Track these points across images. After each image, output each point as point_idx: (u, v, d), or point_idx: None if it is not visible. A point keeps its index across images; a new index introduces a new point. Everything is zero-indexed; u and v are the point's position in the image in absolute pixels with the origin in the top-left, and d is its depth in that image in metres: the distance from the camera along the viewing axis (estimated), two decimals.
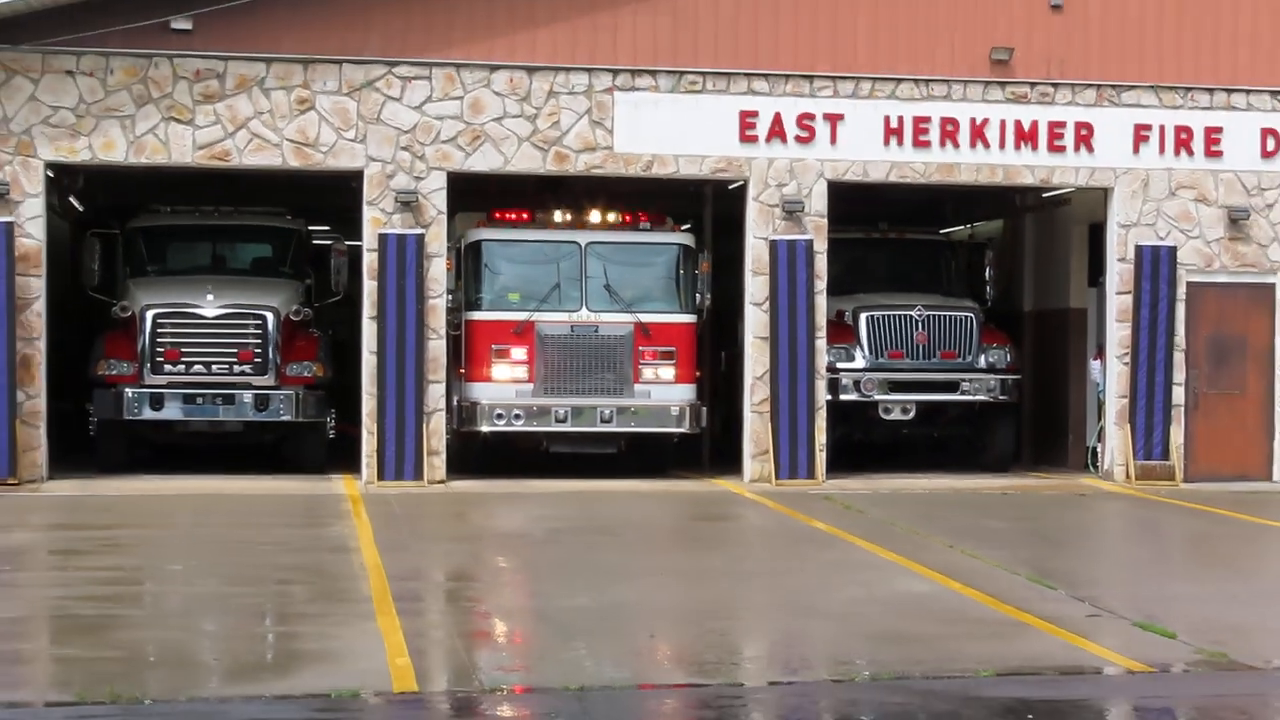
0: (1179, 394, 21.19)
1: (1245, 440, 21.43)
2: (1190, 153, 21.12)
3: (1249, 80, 21.17)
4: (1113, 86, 20.90)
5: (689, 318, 20.31)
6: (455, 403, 20.06)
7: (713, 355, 21.98)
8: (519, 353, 19.79)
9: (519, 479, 19.86)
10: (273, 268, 22.16)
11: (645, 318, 19.99)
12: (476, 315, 19.95)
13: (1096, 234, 21.98)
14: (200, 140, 19.53)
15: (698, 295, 20.40)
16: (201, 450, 21.24)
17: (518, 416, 19.69)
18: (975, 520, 17.60)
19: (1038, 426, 23.49)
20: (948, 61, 20.60)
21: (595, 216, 20.39)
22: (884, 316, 21.64)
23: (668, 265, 20.48)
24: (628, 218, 20.44)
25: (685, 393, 20.14)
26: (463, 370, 20.00)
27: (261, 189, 22.03)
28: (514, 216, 20.32)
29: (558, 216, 20.35)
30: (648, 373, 20.03)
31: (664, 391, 20.02)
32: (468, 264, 20.06)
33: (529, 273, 20.26)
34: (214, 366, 20.15)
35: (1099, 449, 21.83)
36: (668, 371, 20.08)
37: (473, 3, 19.91)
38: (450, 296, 19.96)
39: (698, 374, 20.49)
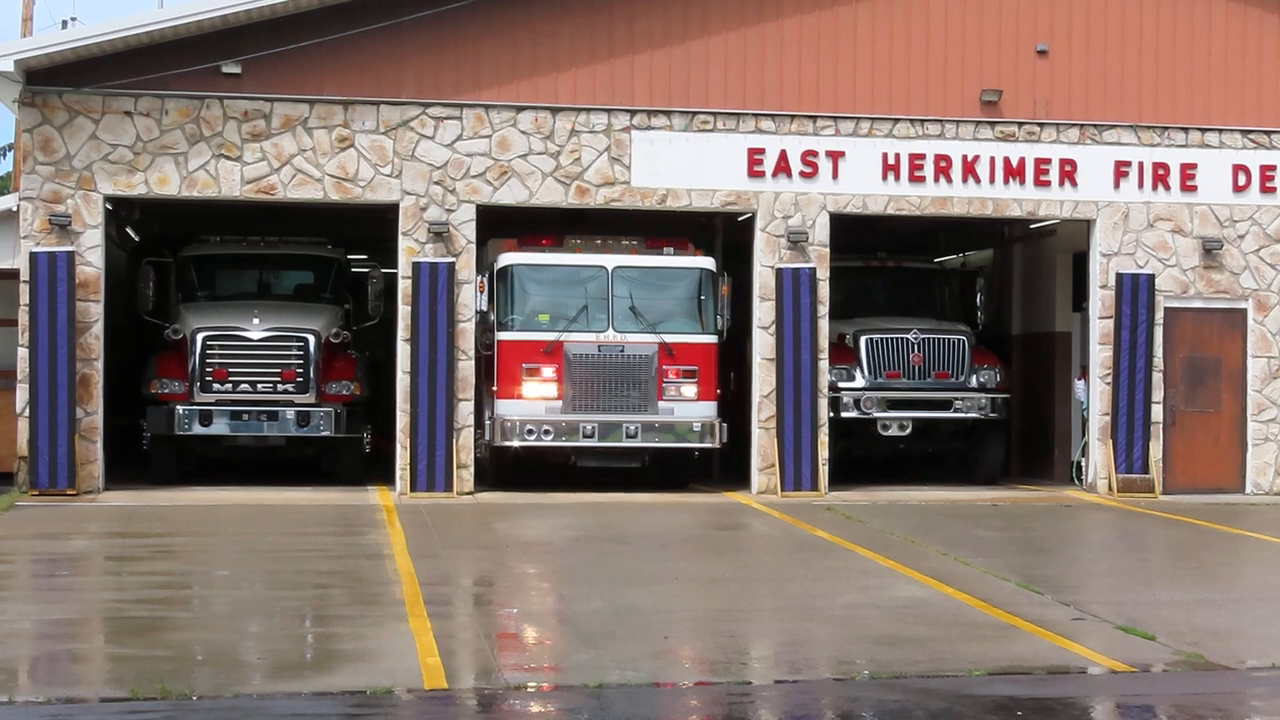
0: (1157, 412, 21.20)
1: (1219, 455, 21.42)
2: (1167, 187, 21.14)
3: (1221, 120, 21.21)
4: (1094, 126, 20.94)
5: (710, 338, 20.22)
6: (487, 419, 20.00)
7: (722, 375, 21.95)
8: (548, 371, 19.66)
9: (542, 491, 19.87)
10: (314, 293, 22.24)
11: (669, 338, 19.88)
12: (508, 336, 19.82)
13: (1080, 262, 21.98)
14: (248, 175, 19.63)
15: (718, 317, 20.32)
16: (247, 463, 21.30)
17: (547, 432, 19.58)
18: (967, 530, 17.61)
19: (1025, 442, 23.46)
20: (941, 102, 20.66)
21: (622, 242, 20.31)
22: (882, 339, 21.66)
23: (690, 288, 20.39)
24: (651, 243, 20.36)
25: (707, 410, 20.03)
26: (494, 388, 19.86)
27: (304, 220, 22.14)
28: (544, 241, 20.23)
29: (585, 242, 20.27)
30: (671, 391, 19.91)
31: (687, 409, 19.92)
32: (499, 287, 19.91)
33: (558, 295, 20.12)
34: (259, 385, 20.21)
35: (1083, 463, 21.82)
36: (690, 390, 19.98)
37: (499, 48, 19.99)
38: (481, 318, 19.93)
39: (718, 392, 20.36)
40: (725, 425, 20.30)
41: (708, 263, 20.40)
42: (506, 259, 19.95)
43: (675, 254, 20.36)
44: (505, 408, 19.61)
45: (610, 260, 19.99)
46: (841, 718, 9.48)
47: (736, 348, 21.35)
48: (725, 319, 20.41)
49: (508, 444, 19.61)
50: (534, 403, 19.62)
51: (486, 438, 20.09)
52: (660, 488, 20.37)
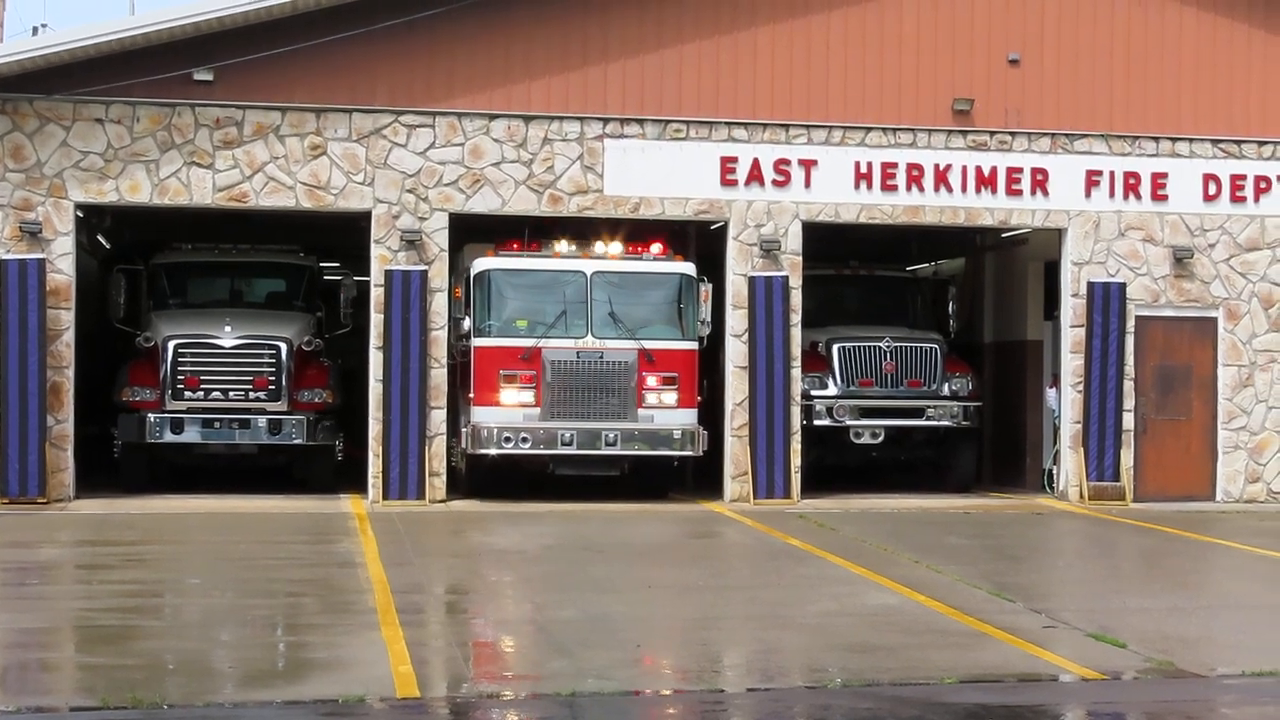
0: (1129, 420, 21.30)
1: (1190, 463, 21.52)
2: (1138, 196, 21.25)
3: (1192, 130, 21.34)
4: (1066, 135, 21.04)
5: (691, 344, 20.12)
6: (463, 426, 19.92)
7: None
8: (526, 378, 19.53)
9: (517, 500, 19.80)
10: (286, 301, 22.23)
11: (649, 344, 19.78)
12: (484, 342, 19.68)
13: (1051, 271, 22.09)
14: (220, 183, 19.60)
15: (699, 323, 20.20)
16: (219, 471, 21.26)
17: (525, 440, 19.45)
18: (939, 537, 17.64)
19: (997, 450, 23.55)
20: (913, 111, 20.74)
21: (600, 247, 20.18)
22: (855, 347, 21.71)
23: (670, 294, 20.25)
24: (631, 248, 20.27)
25: (687, 417, 19.94)
26: (471, 395, 19.77)
27: (276, 228, 22.14)
28: (520, 246, 20.08)
29: (563, 247, 20.13)
30: (651, 398, 19.80)
31: (667, 416, 19.83)
32: (476, 292, 19.82)
33: (536, 300, 20.02)
34: (231, 393, 20.20)
35: (1054, 471, 21.90)
36: (670, 397, 19.86)
37: (473, 56, 20.00)
38: (455, 324, 19.88)
39: (698, 399, 20.27)
40: (706, 433, 20.24)
41: (688, 268, 20.32)
42: (483, 264, 19.86)
43: (655, 259, 20.22)
44: (482, 415, 19.50)
45: (589, 265, 19.90)
46: None
47: (709, 356, 21.38)
48: (706, 325, 20.30)
49: (484, 452, 19.53)
50: (511, 410, 19.50)
51: (463, 445, 20.03)
52: (639, 496, 20.33)
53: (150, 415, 20.03)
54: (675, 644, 11.91)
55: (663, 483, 20.75)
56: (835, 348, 21.66)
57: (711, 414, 20.81)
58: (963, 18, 20.87)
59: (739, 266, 20.54)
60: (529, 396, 19.49)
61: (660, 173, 20.38)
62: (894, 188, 20.73)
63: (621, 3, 20.27)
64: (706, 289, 20.27)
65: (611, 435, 19.53)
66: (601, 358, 19.64)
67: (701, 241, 21.49)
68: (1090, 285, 21.13)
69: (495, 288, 19.77)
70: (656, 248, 20.21)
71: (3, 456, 19.01)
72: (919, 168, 20.77)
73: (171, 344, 20.21)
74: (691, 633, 12.38)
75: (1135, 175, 21.24)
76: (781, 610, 13.22)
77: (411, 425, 19.86)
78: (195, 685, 9.97)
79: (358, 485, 20.38)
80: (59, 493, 19.27)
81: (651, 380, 19.72)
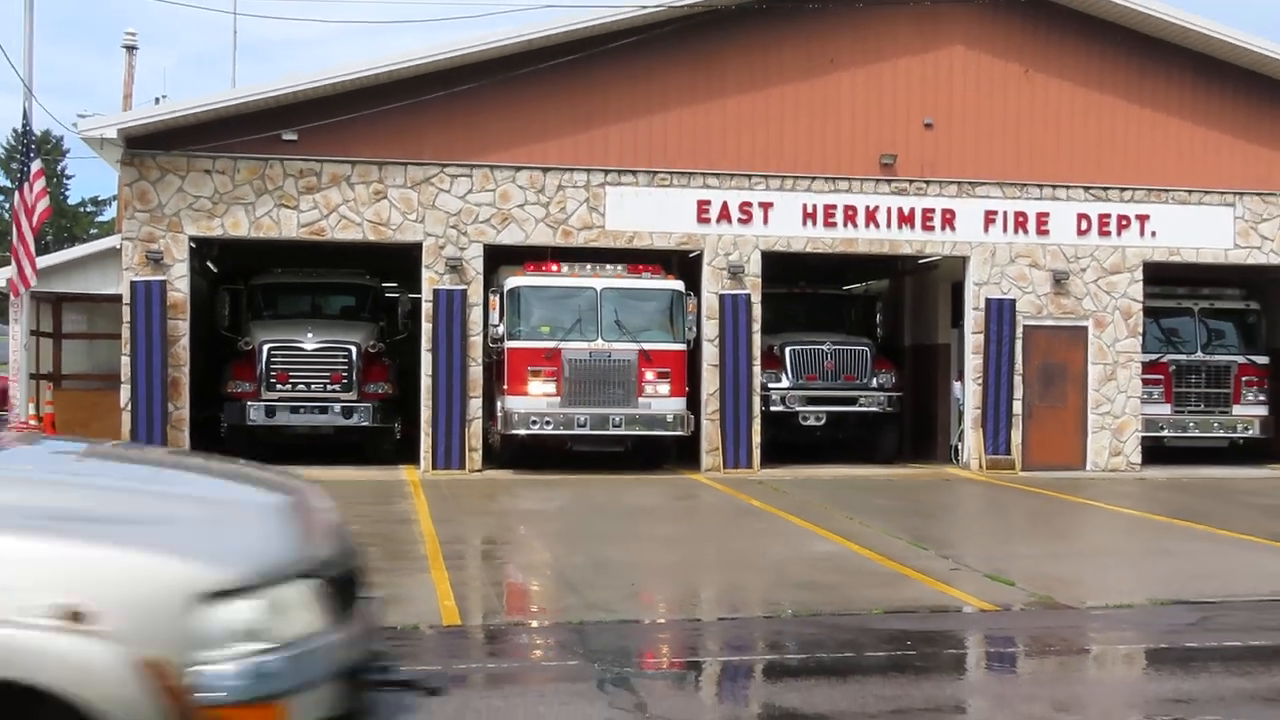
0: (1017, 406, 21.39)
1: (1066, 440, 21.59)
2: (1026, 231, 21.33)
3: (1068, 179, 21.43)
4: (969, 183, 21.11)
5: (681, 346, 19.98)
6: (498, 411, 19.81)
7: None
8: (549, 373, 19.40)
9: (538, 471, 19.84)
10: (355, 313, 22.25)
11: (647, 346, 19.66)
12: (515, 344, 19.51)
13: (957, 289, 22.14)
14: (302, 220, 19.65)
15: (686, 329, 20.13)
16: (303, 447, 21.28)
17: (548, 423, 19.32)
18: (869, 499, 17.73)
19: (915, 430, 23.61)
20: (849, 164, 20.80)
21: (607, 268, 20.06)
22: (802, 349, 21.76)
23: (664, 306, 20.06)
24: (632, 269, 20.17)
25: (678, 404, 19.81)
26: (505, 387, 19.61)
27: (346, 255, 22.12)
28: (545, 267, 19.99)
29: (578, 268, 20.00)
30: (649, 389, 19.64)
31: (661, 404, 19.69)
32: (509, 304, 19.61)
33: (556, 311, 19.81)
34: (312, 386, 20.22)
35: (959, 446, 21.97)
36: (664, 388, 19.70)
37: (500, 122, 20.06)
38: (493, 330, 19.83)
39: (687, 389, 20.15)
40: (693, 417, 20.20)
41: (678, 285, 20.21)
42: (514, 281, 19.79)
43: (651, 278, 20.11)
44: (513, 403, 19.43)
45: (599, 283, 19.80)
46: (770, 647, 9.56)
47: (691, 356, 21.42)
48: (692, 330, 20.22)
49: (515, 432, 19.46)
50: (537, 399, 19.37)
51: (498, 427, 19.95)
52: (638, 468, 20.29)
53: (249, 403, 20.03)
54: (662, 583, 11.99)
55: (657, 456, 20.77)
56: (787, 350, 21.69)
57: (691, 402, 20.89)
58: (888, 91, 20.92)
59: (712, 286, 20.58)
60: (551, 388, 19.40)
61: (650, 212, 20.41)
62: (834, 224, 20.78)
63: (617, 80, 20.27)
64: (693, 302, 20.24)
65: (617, 419, 19.46)
66: (609, 356, 19.56)
67: (682, 267, 21.55)
68: (988, 301, 21.20)
69: (524, 300, 19.69)
70: (652, 270, 20.24)
71: (133, 437, 19.04)
72: (853, 209, 20.82)
73: (266, 347, 20.24)
74: (675, 574, 12.46)
75: (1023, 214, 21.32)
76: (745, 556, 13.32)
77: (454, 411, 19.92)
78: None
79: (412, 458, 20.41)
80: None
81: (649, 375, 19.63)
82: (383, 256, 21.78)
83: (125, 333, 19.27)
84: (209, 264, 22.95)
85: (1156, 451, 22.05)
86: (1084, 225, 21.50)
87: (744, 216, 20.62)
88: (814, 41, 20.66)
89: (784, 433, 21.65)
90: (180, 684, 3.65)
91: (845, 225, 20.80)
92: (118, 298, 19.68)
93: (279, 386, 20.15)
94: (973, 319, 21.33)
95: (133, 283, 19.21)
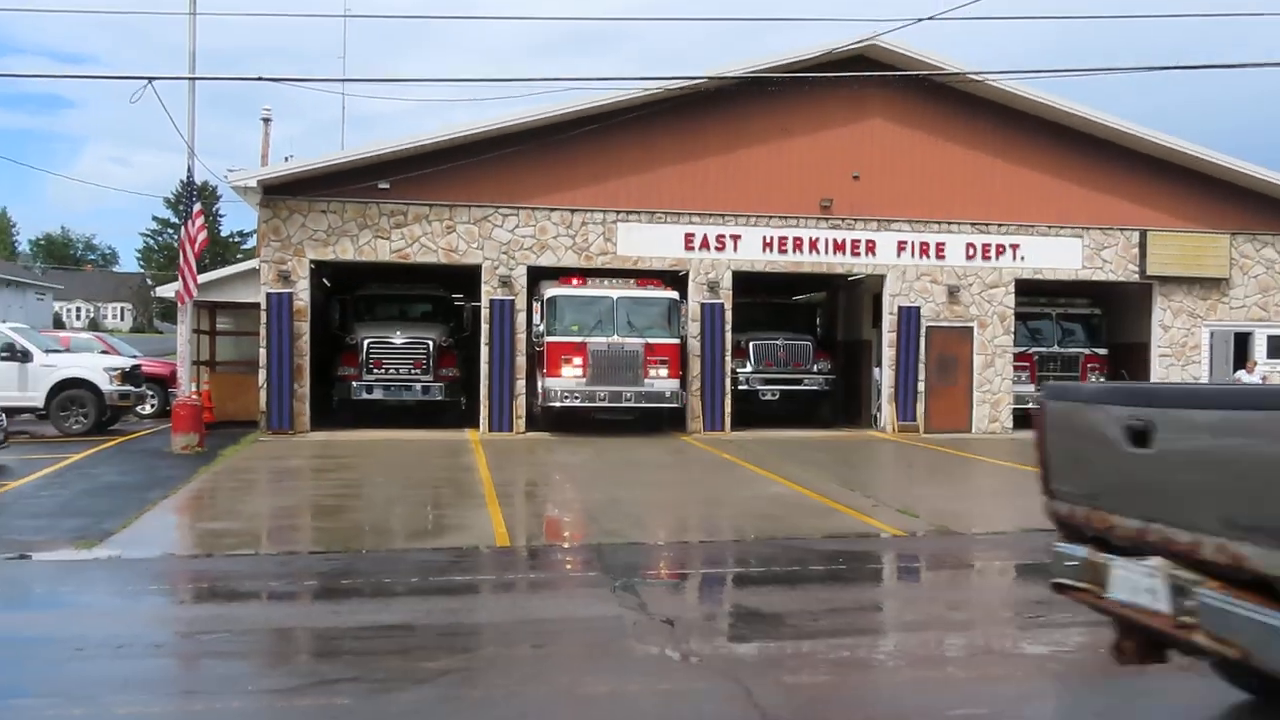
0: (921, 386, 21.35)
1: (957, 410, 21.56)
2: (928, 256, 21.27)
3: (958, 217, 21.38)
4: (886, 220, 21.06)
5: (675, 340, 19.78)
6: (540, 389, 19.68)
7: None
8: (577, 360, 19.21)
9: (568, 434, 19.80)
10: (431, 317, 22.22)
11: (651, 340, 19.46)
12: (552, 339, 19.34)
13: (877, 300, 22.08)
14: (392, 248, 19.62)
15: (680, 328, 19.95)
16: (393, 416, 21.29)
17: (576, 397, 19.18)
18: (811, 454, 17.73)
19: (846, 403, 23.58)
20: (798, 206, 20.76)
21: (621, 282, 19.91)
22: (763, 343, 21.73)
23: (663, 310, 19.81)
24: (640, 283, 20.02)
25: (674, 384, 19.62)
26: (544, 370, 19.47)
27: (425, 273, 22.10)
28: (575, 280, 19.86)
29: (599, 281, 19.85)
30: (652, 372, 19.44)
31: (661, 383, 19.48)
32: (548, 309, 19.47)
33: (582, 314, 19.61)
34: (400, 370, 20.22)
35: (878, 415, 21.93)
36: (664, 371, 19.52)
37: (538, 175, 20.03)
38: (535, 328, 19.72)
39: (680, 373, 19.96)
40: (685, 393, 20.07)
41: (673, 295, 20.06)
42: (551, 291, 19.70)
43: (654, 289, 19.94)
44: (551, 383, 19.31)
45: (615, 293, 19.66)
46: (738, 562, 9.57)
47: (681, 348, 21.39)
48: (683, 329, 20.09)
49: (552, 405, 19.35)
50: (568, 380, 19.24)
51: (539, 400, 19.83)
52: (643, 432, 20.23)
53: (354, 383, 20.03)
54: (659, 515, 12.00)
55: (657, 423, 20.75)
56: (751, 344, 21.64)
57: (682, 382, 20.85)
58: (826, 151, 20.80)
59: (696, 297, 20.54)
60: (579, 371, 19.28)
61: (650, 242, 20.33)
62: (785, 251, 20.72)
63: (625, 143, 20.16)
64: (684, 308, 20.21)
65: (628, 394, 19.32)
66: (622, 348, 19.39)
67: (675, 282, 21.50)
68: (899, 308, 21.15)
69: (559, 306, 19.57)
70: (654, 283, 20.17)
71: (268, 406, 19.10)
72: (800, 239, 20.75)
73: (366, 342, 20.19)
74: (668, 509, 12.47)
75: (926, 243, 21.26)
76: (719, 495, 13.33)
77: (505, 389, 19.89)
78: (379, 539, 10.07)
79: (473, 423, 20.41)
80: (300, 427, 19.31)
81: (652, 362, 19.51)
82: (452, 274, 21.82)
83: (262, 331, 19.25)
84: (324, 280, 22.93)
85: (1023, 418, 22.00)
86: (970, 251, 21.43)
87: (719, 245, 20.56)
88: (772, 115, 20.55)
89: (748, 405, 21.64)
90: None
91: (794, 252, 20.74)
92: (256, 305, 19.67)
93: (375, 371, 20.12)
94: (888, 321, 21.26)
95: (268, 294, 19.19)
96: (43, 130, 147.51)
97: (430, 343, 20.40)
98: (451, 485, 13.65)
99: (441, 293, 22.72)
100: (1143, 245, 21.90)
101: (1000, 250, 21.55)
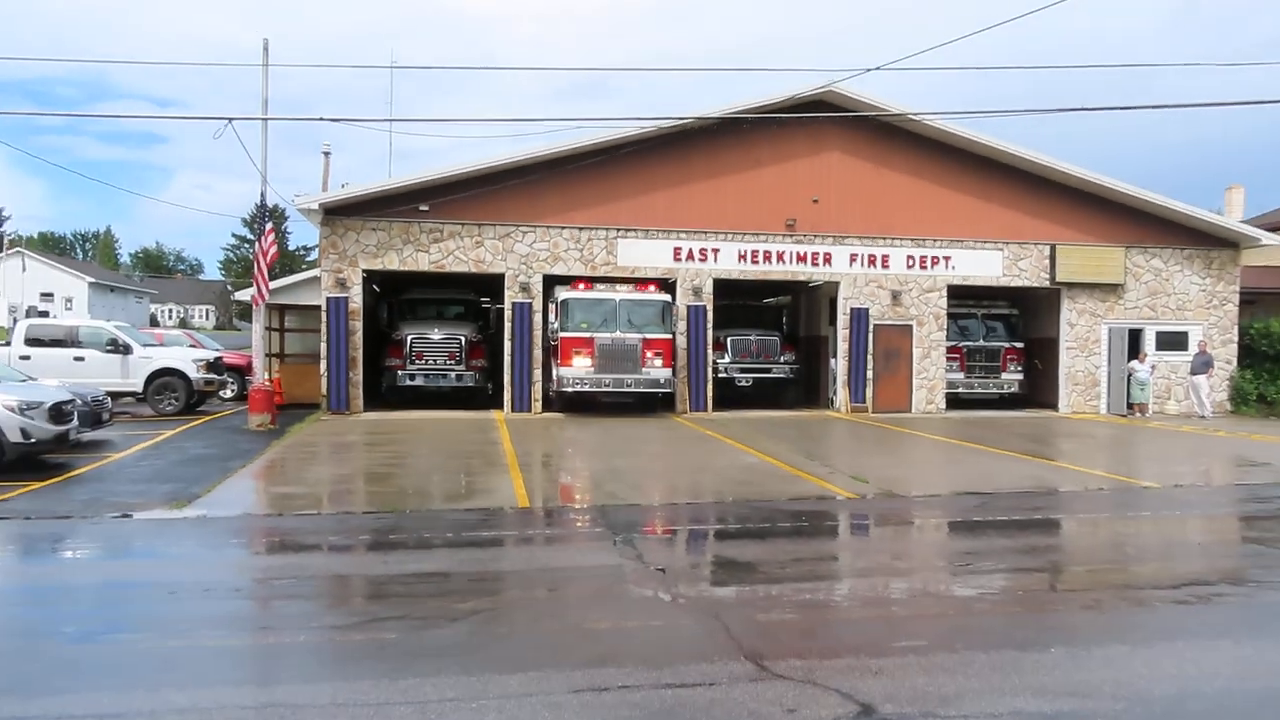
0: (870, 374, 21.30)
1: (900, 394, 21.52)
2: (875, 265, 21.22)
3: (901, 234, 21.30)
4: (841, 236, 21.00)
5: (668, 336, 19.53)
6: (555, 376, 19.52)
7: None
8: (586, 352, 19.07)
9: (578, 415, 19.74)
10: (464, 316, 22.12)
11: (648, 336, 19.24)
12: (566, 334, 19.12)
13: (833, 302, 22.03)
14: (431, 260, 19.54)
15: (672, 325, 19.77)
16: (432, 399, 21.26)
17: (585, 384, 18.97)
18: (778, 430, 17.72)
19: (807, 388, 23.54)
20: (768, 225, 20.69)
21: (623, 286, 19.72)
22: (738, 338, 21.69)
23: (659, 311, 19.57)
24: (639, 286, 19.82)
25: (667, 373, 19.40)
26: (558, 361, 19.30)
27: (458, 280, 22.02)
28: (583, 285, 19.66)
29: (604, 286, 19.68)
30: (649, 362, 19.23)
31: (656, 372, 19.26)
32: (561, 309, 19.29)
33: (590, 313, 19.37)
34: (437, 361, 20.17)
35: (834, 398, 21.90)
36: (660, 362, 19.29)
37: (552, 198, 19.95)
38: (551, 326, 19.62)
39: (672, 363, 19.75)
40: (676, 380, 19.94)
41: (667, 297, 19.87)
42: (564, 294, 19.54)
43: (650, 292, 19.73)
44: (564, 371, 19.16)
45: (617, 295, 19.47)
46: (718, 520, 9.57)
47: (672, 342, 21.31)
48: (674, 326, 19.92)
49: (565, 389, 19.18)
50: (579, 368, 19.08)
51: (555, 386, 19.67)
52: (641, 413, 20.16)
53: (399, 372, 19.93)
54: (652, 481, 12.00)
55: (652, 405, 20.69)
56: (729, 339, 21.59)
57: (673, 371, 20.80)
58: (790, 179, 20.70)
59: (683, 300, 20.47)
60: (588, 362, 19.13)
61: (645, 254, 20.26)
62: (758, 262, 20.68)
63: (625, 172, 20.08)
64: (678, 308, 20.15)
65: (629, 381, 19.17)
66: (624, 342, 19.22)
67: (666, 287, 21.48)
68: (851, 309, 21.11)
69: (571, 307, 19.41)
70: (652, 288, 20.07)
71: (328, 391, 19.06)
72: (769, 252, 20.69)
73: (409, 337, 20.10)
74: (660, 476, 12.47)
75: (874, 255, 21.21)
76: (702, 464, 13.31)
77: (525, 377, 19.84)
78: (421, 501, 10.07)
79: (499, 405, 20.36)
80: (355, 409, 19.25)
81: (649, 354, 19.34)
82: (480, 281, 21.76)
83: (323, 329, 19.17)
84: (374, 286, 22.86)
85: (954, 400, 22.04)
86: (910, 262, 21.39)
87: (702, 257, 20.51)
88: (746, 149, 20.46)
89: (727, 390, 21.59)
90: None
91: (764, 262, 20.70)
92: (318, 307, 19.62)
93: (417, 361, 20.04)
94: (842, 320, 21.21)
95: (327, 298, 19.12)
96: (141, 162, 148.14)
97: (462, 338, 20.33)
98: (480, 456, 13.67)
99: (472, 296, 22.66)
100: (1053, 257, 21.91)
101: (935, 261, 21.52)
